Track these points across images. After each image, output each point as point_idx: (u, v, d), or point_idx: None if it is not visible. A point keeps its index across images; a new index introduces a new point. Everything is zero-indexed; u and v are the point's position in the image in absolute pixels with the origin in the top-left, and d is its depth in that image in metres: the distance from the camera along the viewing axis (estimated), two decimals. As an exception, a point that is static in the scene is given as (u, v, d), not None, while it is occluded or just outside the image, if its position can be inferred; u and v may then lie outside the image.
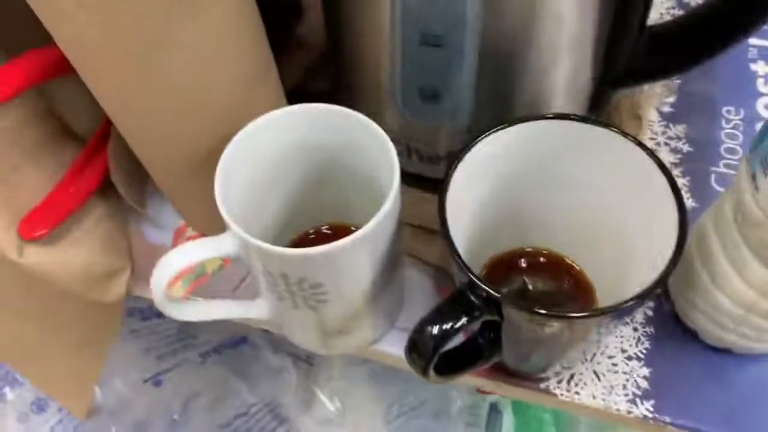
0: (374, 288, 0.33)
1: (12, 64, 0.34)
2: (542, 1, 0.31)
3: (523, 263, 0.38)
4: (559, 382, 0.37)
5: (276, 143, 0.34)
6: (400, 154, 0.32)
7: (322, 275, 0.31)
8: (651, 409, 0.36)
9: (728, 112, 0.46)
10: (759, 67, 0.48)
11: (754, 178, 0.29)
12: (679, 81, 0.48)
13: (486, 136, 0.32)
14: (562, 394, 0.36)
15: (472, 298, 0.29)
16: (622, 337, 0.38)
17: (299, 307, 0.33)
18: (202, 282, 0.42)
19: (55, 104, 0.40)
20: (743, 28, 0.35)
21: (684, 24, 0.38)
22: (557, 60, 0.35)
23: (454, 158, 0.32)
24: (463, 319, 0.29)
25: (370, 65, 0.38)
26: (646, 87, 0.47)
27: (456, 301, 0.29)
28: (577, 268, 0.37)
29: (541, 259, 0.38)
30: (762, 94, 0.47)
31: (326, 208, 0.39)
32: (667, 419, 0.35)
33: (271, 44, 0.37)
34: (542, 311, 0.27)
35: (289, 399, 0.64)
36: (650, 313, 0.39)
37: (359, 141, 0.33)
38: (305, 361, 0.66)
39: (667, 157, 0.44)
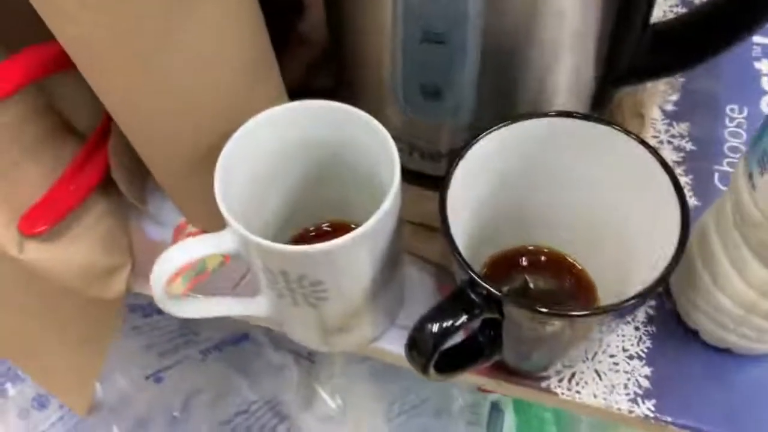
0: (374, 285, 0.33)
1: (11, 60, 0.34)
2: (544, -3, 0.31)
3: (524, 261, 0.38)
4: (560, 380, 0.37)
5: (276, 140, 0.34)
6: (401, 151, 0.32)
7: (322, 272, 0.30)
8: (652, 408, 0.35)
9: (732, 110, 0.46)
10: (763, 66, 0.48)
11: (751, 176, 0.28)
12: (682, 79, 0.48)
13: (487, 134, 0.32)
14: (563, 393, 0.36)
15: (473, 296, 0.29)
16: (623, 336, 0.38)
17: (299, 305, 0.33)
18: (203, 279, 0.42)
19: (56, 100, 0.40)
20: (747, 26, 0.35)
21: (687, 22, 0.38)
22: (559, 57, 0.35)
23: (455, 156, 0.32)
24: (464, 317, 0.29)
25: (372, 62, 0.38)
26: (649, 85, 0.46)
27: (456, 299, 0.29)
28: (579, 266, 0.37)
29: (543, 258, 0.38)
30: (766, 93, 0.47)
31: (327, 205, 0.39)
32: (669, 419, 0.35)
33: (273, 41, 0.36)
34: (543, 309, 0.27)
35: (290, 396, 0.64)
36: (652, 312, 0.38)
37: (360, 138, 0.33)
38: (306, 358, 0.66)
39: (670, 156, 0.44)
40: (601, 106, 0.41)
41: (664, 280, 0.27)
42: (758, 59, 0.48)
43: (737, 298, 0.32)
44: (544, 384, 0.37)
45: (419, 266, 0.41)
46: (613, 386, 0.36)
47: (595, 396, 0.36)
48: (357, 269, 0.32)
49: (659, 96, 0.47)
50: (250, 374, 0.65)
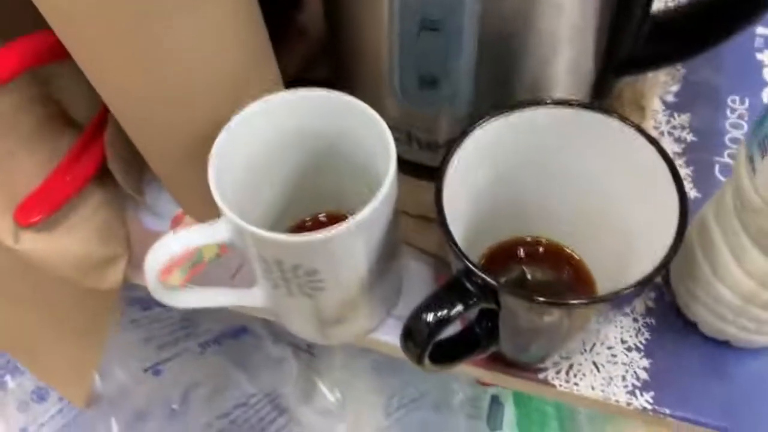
0: (370, 276, 0.33)
1: (6, 48, 0.34)
2: (542, -15, 0.31)
3: (522, 253, 0.38)
4: (558, 372, 0.36)
5: (272, 129, 0.34)
6: (399, 141, 0.31)
7: (317, 262, 0.30)
8: (650, 400, 0.35)
9: (733, 101, 0.46)
10: (765, 57, 0.48)
11: (751, 160, 0.28)
12: (683, 70, 0.48)
13: (484, 123, 0.32)
14: (560, 385, 0.36)
15: (468, 285, 0.29)
16: (622, 327, 0.37)
17: (294, 295, 0.33)
18: (199, 270, 0.42)
19: (54, 91, 0.40)
20: (747, 16, 0.35)
21: (687, 12, 0.37)
22: (558, 46, 0.35)
23: (452, 145, 0.32)
24: (459, 307, 0.28)
25: (369, 52, 0.37)
26: (650, 75, 0.46)
27: (452, 288, 0.29)
28: (577, 257, 0.37)
29: (540, 249, 0.38)
30: (768, 84, 0.46)
31: (323, 196, 0.38)
32: (667, 411, 0.35)
33: (271, 34, 0.36)
34: (539, 298, 0.27)
35: (289, 389, 0.64)
36: (651, 304, 0.38)
37: (356, 127, 0.33)
38: (306, 351, 0.66)
39: (670, 147, 0.44)
40: (601, 97, 0.41)
41: (661, 269, 0.27)
42: (760, 50, 0.48)
43: (736, 288, 0.32)
44: (541, 376, 0.36)
45: (417, 258, 0.41)
46: (611, 378, 0.36)
47: (593, 388, 0.36)
48: (352, 259, 0.31)
49: (660, 87, 0.46)
50: (250, 367, 0.64)
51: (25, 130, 0.37)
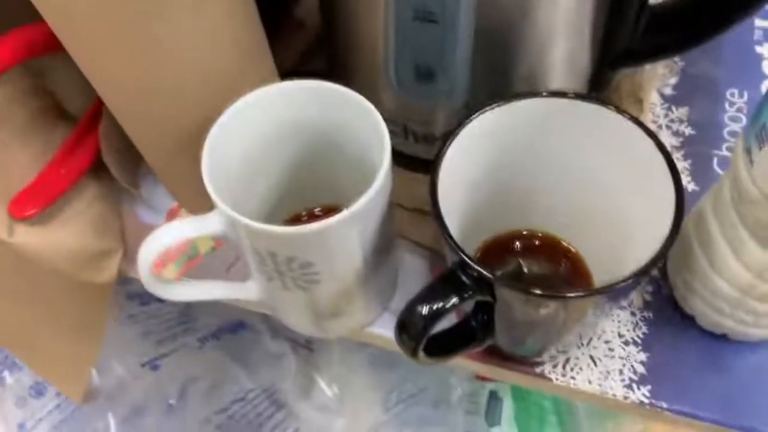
0: (366, 269, 0.33)
1: (-1, 40, 0.33)
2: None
3: (518, 246, 0.37)
4: (555, 366, 0.36)
5: (266, 120, 0.34)
6: (396, 134, 0.31)
7: (311, 254, 0.30)
8: (647, 394, 0.35)
9: (732, 94, 0.45)
10: (764, 49, 0.47)
11: (749, 151, 0.28)
12: (682, 62, 0.47)
13: (479, 115, 0.32)
14: (557, 379, 0.36)
15: (463, 277, 0.28)
16: (619, 321, 0.37)
17: (289, 288, 0.33)
18: (195, 263, 0.41)
19: (48, 83, 0.40)
20: (744, 7, 0.34)
21: (685, 3, 0.37)
22: (555, 38, 0.34)
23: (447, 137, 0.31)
24: (454, 299, 0.28)
25: (365, 44, 0.37)
26: (648, 68, 0.46)
27: (446, 280, 0.29)
28: (574, 250, 0.37)
29: (537, 242, 0.37)
30: (767, 77, 0.46)
31: (319, 189, 0.38)
32: (664, 405, 0.35)
33: (269, 27, 0.36)
34: (535, 290, 0.27)
35: (287, 385, 0.64)
36: (648, 297, 0.38)
37: (351, 119, 0.33)
38: (305, 346, 0.66)
39: (668, 140, 0.43)
40: (599, 90, 0.40)
41: (657, 261, 0.27)
42: (759, 43, 0.48)
43: (733, 280, 0.32)
44: (538, 369, 0.36)
45: (413, 251, 0.41)
46: (608, 372, 0.36)
47: (589, 382, 0.36)
48: (347, 251, 0.31)
49: (658, 80, 0.46)
50: (248, 363, 0.64)
51: (18, 123, 0.37)
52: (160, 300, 0.34)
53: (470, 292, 0.28)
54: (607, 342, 0.37)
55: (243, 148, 0.33)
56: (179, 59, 0.32)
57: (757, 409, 0.34)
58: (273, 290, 0.34)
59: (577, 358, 0.36)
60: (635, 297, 0.38)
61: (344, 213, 0.28)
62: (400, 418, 0.63)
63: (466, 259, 0.28)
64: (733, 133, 0.43)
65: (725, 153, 0.43)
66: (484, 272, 0.27)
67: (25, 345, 0.41)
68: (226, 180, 0.31)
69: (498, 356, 0.36)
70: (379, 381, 0.64)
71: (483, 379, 0.62)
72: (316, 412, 0.63)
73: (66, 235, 0.39)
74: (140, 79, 0.32)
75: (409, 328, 0.29)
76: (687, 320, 0.37)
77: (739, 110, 0.45)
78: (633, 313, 0.37)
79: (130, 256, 0.42)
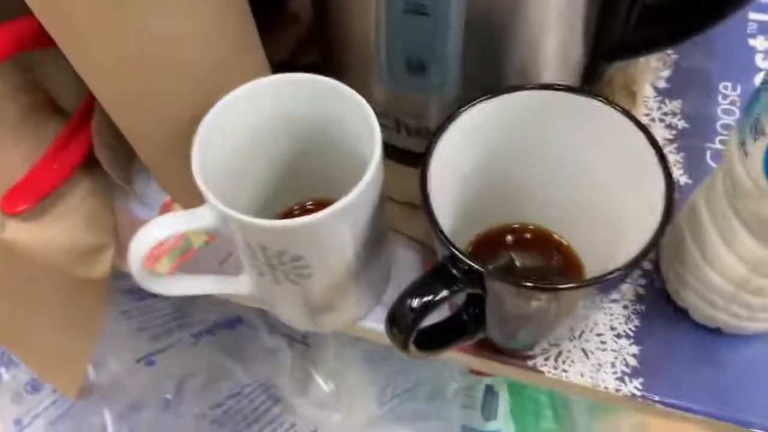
0: (357, 262, 0.33)
1: (-12, 35, 0.33)
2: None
3: (510, 239, 0.37)
4: (547, 359, 0.36)
5: (257, 114, 0.33)
6: (388, 128, 0.31)
7: (302, 248, 0.30)
8: (640, 387, 0.35)
9: (725, 87, 0.45)
10: (758, 43, 0.47)
11: (743, 144, 0.28)
12: (675, 55, 0.47)
13: (470, 107, 0.32)
14: (549, 372, 0.36)
15: (453, 271, 0.28)
16: (611, 314, 0.37)
17: (280, 282, 0.32)
18: (188, 257, 0.41)
19: (39, 78, 0.40)
20: (736, 0, 0.34)
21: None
22: (546, 30, 0.34)
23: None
24: (444, 292, 0.28)
25: (356, 37, 0.37)
26: (641, 61, 0.46)
27: (437, 274, 0.29)
28: (566, 243, 0.37)
29: (529, 235, 0.37)
30: (760, 70, 0.46)
31: (311, 183, 0.38)
32: (656, 398, 0.35)
33: (263, 20, 0.36)
34: (525, 282, 0.27)
35: (284, 380, 0.64)
36: (641, 291, 0.38)
37: (343, 113, 0.33)
38: (301, 342, 0.66)
39: (661, 134, 0.43)
40: (591, 83, 0.40)
41: (647, 253, 0.27)
42: (753, 36, 0.48)
43: (726, 273, 0.32)
44: (530, 362, 0.36)
45: (406, 245, 0.41)
46: (600, 365, 0.36)
47: (581, 375, 0.36)
48: (338, 245, 0.31)
49: (651, 73, 0.46)
50: (244, 358, 0.64)
51: (10, 118, 0.37)
52: (155, 295, 0.34)
53: (460, 285, 0.28)
54: (599, 335, 0.37)
55: (234, 141, 0.33)
56: (170, 54, 0.32)
57: (750, 403, 0.34)
58: (265, 284, 0.34)
59: (569, 351, 0.36)
60: (628, 290, 0.38)
61: (334, 206, 0.28)
62: (395, 412, 0.63)
63: (456, 252, 0.28)
64: (726, 126, 0.43)
65: (718, 146, 0.43)
66: (474, 264, 0.27)
67: (20, 341, 0.41)
68: (217, 173, 0.31)
69: (490, 349, 0.36)
70: (375, 376, 0.64)
71: (478, 373, 0.62)
72: (312, 407, 0.64)
73: (58, 231, 0.39)
74: (131, 74, 0.32)
75: (399, 321, 0.29)
76: (680, 313, 0.37)
77: (732, 103, 0.44)
78: (625, 306, 0.37)
79: (123, 251, 0.42)
